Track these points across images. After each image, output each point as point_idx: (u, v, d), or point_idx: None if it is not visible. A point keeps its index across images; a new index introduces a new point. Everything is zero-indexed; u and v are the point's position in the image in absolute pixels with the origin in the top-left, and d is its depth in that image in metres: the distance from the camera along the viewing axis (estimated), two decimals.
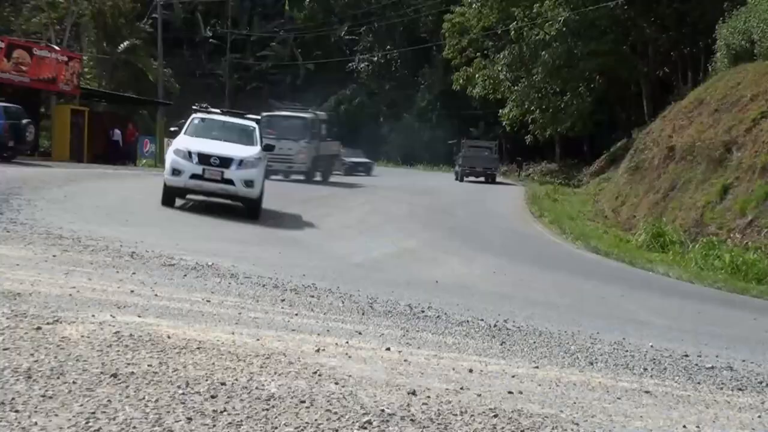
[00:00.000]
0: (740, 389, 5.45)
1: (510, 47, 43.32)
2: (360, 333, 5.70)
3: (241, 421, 3.40)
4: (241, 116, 17.95)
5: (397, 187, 31.67)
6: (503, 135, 52.73)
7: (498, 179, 42.36)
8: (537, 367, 5.28)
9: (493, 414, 3.91)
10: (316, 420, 3.52)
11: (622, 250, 18.28)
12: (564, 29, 39.45)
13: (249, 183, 15.08)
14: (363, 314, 6.67)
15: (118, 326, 4.70)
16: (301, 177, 29.09)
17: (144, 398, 3.47)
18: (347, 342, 5.22)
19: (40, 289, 5.57)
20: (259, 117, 19.32)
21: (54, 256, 7.52)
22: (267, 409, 3.56)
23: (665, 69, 42.53)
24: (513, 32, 42.99)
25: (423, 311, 7.25)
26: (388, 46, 62.49)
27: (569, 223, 23.13)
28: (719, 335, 8.64)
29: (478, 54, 48.47)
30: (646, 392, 4.88)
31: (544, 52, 40.26)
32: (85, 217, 11.87)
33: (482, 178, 38.11)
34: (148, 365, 3.97)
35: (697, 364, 6.20)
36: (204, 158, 14.87)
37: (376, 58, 62.73)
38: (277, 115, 29.91)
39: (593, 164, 44.06)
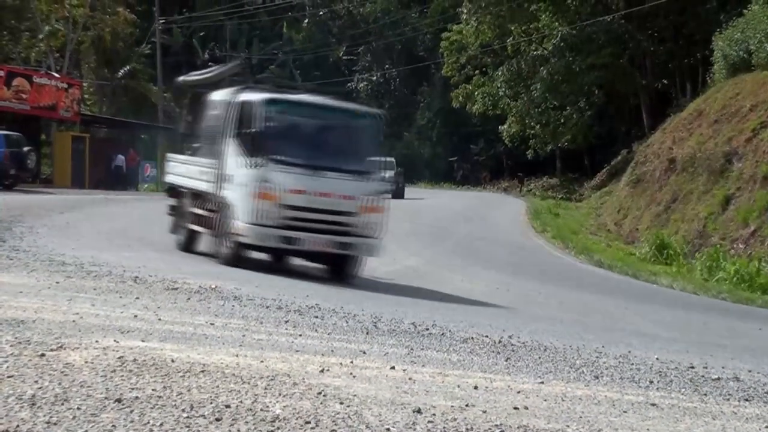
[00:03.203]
0: (747, 400, 5.42)
1: (508, 63, 43.46)
2: (364, 352, 5.68)
3: None
4: None
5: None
6: (504, 151, 52.85)
7: (500, 195, 42.08)
8: (542, 383, 5.25)
9: (499, 430, 3.90)
10: None
11: (626, 263, 18.25)
12: (561, 44, 39.60)
13: None
14: (367, 333, 6.65)
15: (122, 351, 4.69)
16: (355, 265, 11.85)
17: (149, 423, 3.46)
18: (352, 361, 5.21)
19: (43, 316, 5.57)
20: None
21: (57, 282, 7.52)
22: (272, 431, 3.55)
23: (663, 81, 42.63)
24: (510, 48, 43.16)
25: (427, 329, 7.23)
26: (387, 65, 62.71)
27: (572, 237, 23.10)
28: (725, 346, 8.61)
29: (477, 71, 48.63)
30: (653, 405, 4.86)
31: (542, 68, 40.39)
32: (88, 243, 11.88)
33: None
34: (153, 389, 3.96)
35: (703, 376, 6.17)
36: None
37: (375, 78, 62.91)
38: (296, 103, 11.94)
39: (594, 178, 44.10)
